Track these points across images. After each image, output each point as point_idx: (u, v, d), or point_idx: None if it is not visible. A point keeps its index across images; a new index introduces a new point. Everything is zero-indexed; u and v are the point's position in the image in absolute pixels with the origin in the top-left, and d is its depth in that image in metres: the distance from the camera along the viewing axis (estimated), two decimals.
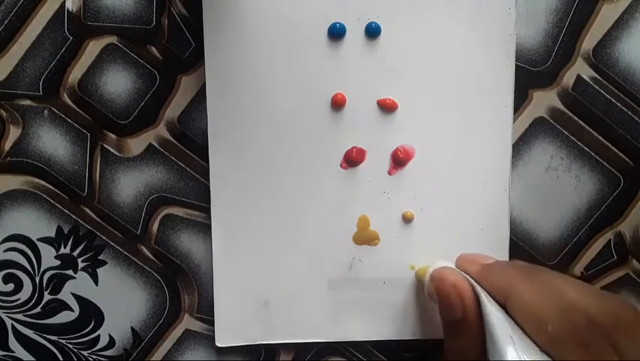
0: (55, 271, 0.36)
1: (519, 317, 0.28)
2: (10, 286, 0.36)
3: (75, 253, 0.36)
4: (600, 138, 0.35)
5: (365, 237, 0.35)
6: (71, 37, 0.35)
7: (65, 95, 0.35)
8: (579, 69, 0.35)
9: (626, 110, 0.35)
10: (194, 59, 0.35)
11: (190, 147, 0.35)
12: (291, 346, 0.36)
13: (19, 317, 0.37)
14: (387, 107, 0.34)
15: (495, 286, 0.30)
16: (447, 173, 0.34)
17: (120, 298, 0.36)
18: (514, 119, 0.35)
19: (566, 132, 0.35)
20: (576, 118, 0.35)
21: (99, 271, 0.36)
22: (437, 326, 0.35)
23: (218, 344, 0.36)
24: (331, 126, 0.34)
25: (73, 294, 0.36)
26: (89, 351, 0.37)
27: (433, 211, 0.35)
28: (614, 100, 0.35)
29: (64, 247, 0.36)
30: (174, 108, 0.35)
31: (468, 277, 0.31)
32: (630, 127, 0.35)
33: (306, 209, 0.35)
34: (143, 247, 0.36)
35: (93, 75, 0.35)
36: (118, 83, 0.35)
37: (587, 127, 0.35)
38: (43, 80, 0.35)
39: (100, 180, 0.36)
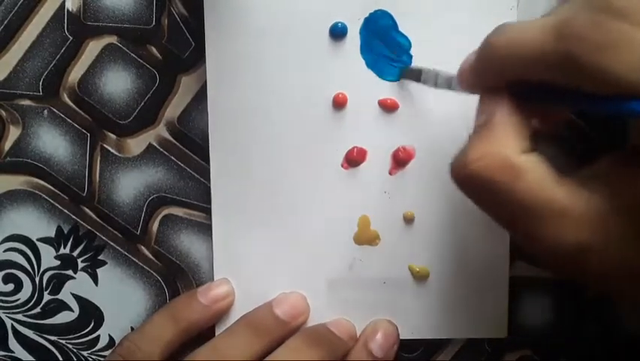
0: (55, 272, 0.36)
1: None
2: (10, 287, 0.36)
3: (75, 253, 0.36)
4: None
5: (365, 237, 0.35)
6: (71, 37, 0.35)
7: (65, 95, 0.35)
8: None
9: None
10: (194, 59, 0.35)
11: (190, 147, 0.35)
12: None
13: (19, 317, 0.37)
14: (388, 107, 0.34)
15: None
16: (447, 173, 0.34)
17: (120, 299, 0.36)
18: None
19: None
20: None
21: (99, 271, 0.36)
22: (437, 326, 0.36)
23: None
24: (332, 126, 0.34)
25: (73, 294, 0.36)
26: (89, 351, 0.37)
27: (433, 211, 0.35)
28: None
29: (64, 247, 0.36)
30: (174, 108, 0.35)
31: None
32: None
33: (307, 209, 0.35)
34: (142, 247, 0.36)
35: (93, 75, 0.35)
36: (118, 83, 0.35)
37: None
38: (42, 80, 0.35)
39: (100, 180, 0.36)
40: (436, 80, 0.31)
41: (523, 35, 0.24)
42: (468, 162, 0.25)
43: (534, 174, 0.24)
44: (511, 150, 0.25)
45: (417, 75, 0.33)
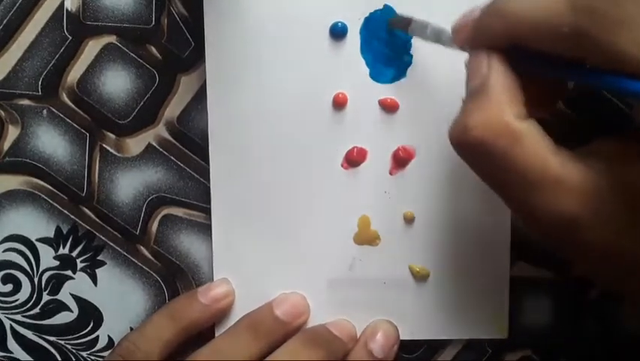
0: (54, 272, 0.36)
1: None
2: (9, 287, 0.36)
3: (74, 254, 0.36)
4: None
5: (366, 237, 0.35)
6: (70, 37, 0.35)
7: (64, 94, 0.35)
8: None
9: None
10: (194, 59, 0.35)
11: (190, 147, 0.35)
12: None
13: (18, 317, 0.36)
14: (388, 107, 0.34)
15: None
16: (448, 173, 0.34)
17: (119, 299, 0.36)
18: None
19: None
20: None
21: (98, 271, 0.36)
22: (437, 327, 0.35)
23: None
24: (332, 126, 0.34)
25: (72, 295, 0.36)
26: (88, 352, 0.37)
27: (433, 211, 0.35)
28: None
29: (63, 248, 0.36)
30: (174, 108, 0.35)
31: None
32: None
33: (307, 209, 0.35)
34: (142, 247, 0.36)
35: (92, 75, 0.35)
36: (117, 83, 0.35)
37: None
38: (42, 79, 0.35)
39: (99, 180, 0.36)
40: (426, 31, 0.31)
41: (537, 3, 0.24)
42: (468, 128, 0.25)
43: (531, 141, 0.24)
44: (510, 116, 0.25)
45: (406, 24, 0.32)
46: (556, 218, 0.24)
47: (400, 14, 0.33)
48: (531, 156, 0.24)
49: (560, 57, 0.24)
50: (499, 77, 0.25)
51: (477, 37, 0.27)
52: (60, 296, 0.36)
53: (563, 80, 0.27)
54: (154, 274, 0.36)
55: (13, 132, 0.35)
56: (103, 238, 0.36)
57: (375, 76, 0.34)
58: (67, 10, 0.35)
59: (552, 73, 0.26)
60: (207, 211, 0.35)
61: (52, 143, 0.35)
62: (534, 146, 0.24)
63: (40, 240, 0.36)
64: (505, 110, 0.25)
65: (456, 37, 0.28)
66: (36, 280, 0.36)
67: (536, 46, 0.24)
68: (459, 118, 0.26)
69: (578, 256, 0.26)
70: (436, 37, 0.30)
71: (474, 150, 0.25)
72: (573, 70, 0.24)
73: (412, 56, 0.34)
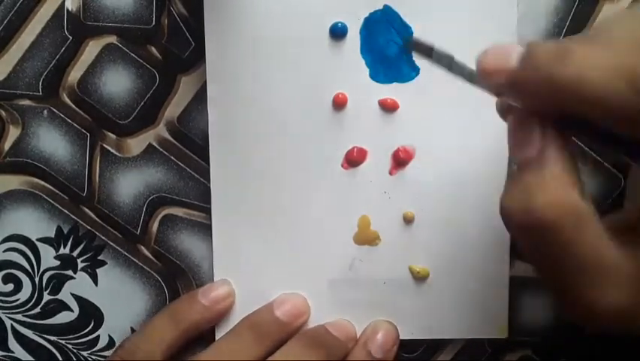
0: (55, 272, 0.36)
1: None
2: (10, 287, 0.36)
3: (75, 254, 0.36)
4: None
5: (365, 237, 0.35)
6: (71, 37, 0.35)
7: (65, 95, 0.35)
8: None
9: None
10: (194, 59, 0.35)
11: (190, 147, 0.35)
12: None
13: (19, 317, 0.37)
14: (388, 107, 0.34)
15: None
16: (448, 173, 0.34)
17: (120, 299, 0.36)
18: None
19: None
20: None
21: (99, 271, 0.36)
22: (437, 326, 0.35)
23: None
24: (332, 126, 0.34)
25: (72, 294, 0.36)
26: (89, 352, 0.37)
27: (433, 212, 0.35)
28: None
29: (64, 247, 0.36)
30: (174, 108, 0.35)
31: None
32: None
33: (307, 209, 0.35)
34: (142, 247, 0.36)
35: (93, 75, 0.35)
36: (117, 83, 0.35)
37: None
38: (42, 80, 0.35)
39: (99, 180, 0.36)
40: (451, 64, 0.27)
41: (594, 74, 0.21)
42: (534, 209, 0.22)
43: (595, 226, 0.22)
44: (576, 196, 0.22)
45: (427, 51, 0.28)
46: (613, 310, 0.22)
47: (420, 39, 0.28)
48: (593, 242, 0.22)
49: (617, 134, 0.22)
50: (556, 151, 0.23)
51: (518, 96, 0.24)
52: (61, 296, 0.36)
53: (623, 156, 0.25)
54: (154, 274, 0.36)
55: (13, 132, 0.35)
56: (103, 237, 0.36)
57: (375, 76, 0.34)
58: (67, 10, 0.35)
59: (613, 149, 0.23)
60: (207, 211, 0.35)
61: (52, 143, 0.35)
62: (596, 231, 0.22)
63: (40, 240, 0.36)
64: (570, 190, 0.22)
65: (489, 83, 0.24)
66: (37, 279, 0.36)
67: (592, 121, 0.22)
68: (517, 195, 0.23)
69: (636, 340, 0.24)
70: (461, 73, 0.27)
71: (538, 233, 0.23)
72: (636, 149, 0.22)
73: (411, 55, 0.34)
